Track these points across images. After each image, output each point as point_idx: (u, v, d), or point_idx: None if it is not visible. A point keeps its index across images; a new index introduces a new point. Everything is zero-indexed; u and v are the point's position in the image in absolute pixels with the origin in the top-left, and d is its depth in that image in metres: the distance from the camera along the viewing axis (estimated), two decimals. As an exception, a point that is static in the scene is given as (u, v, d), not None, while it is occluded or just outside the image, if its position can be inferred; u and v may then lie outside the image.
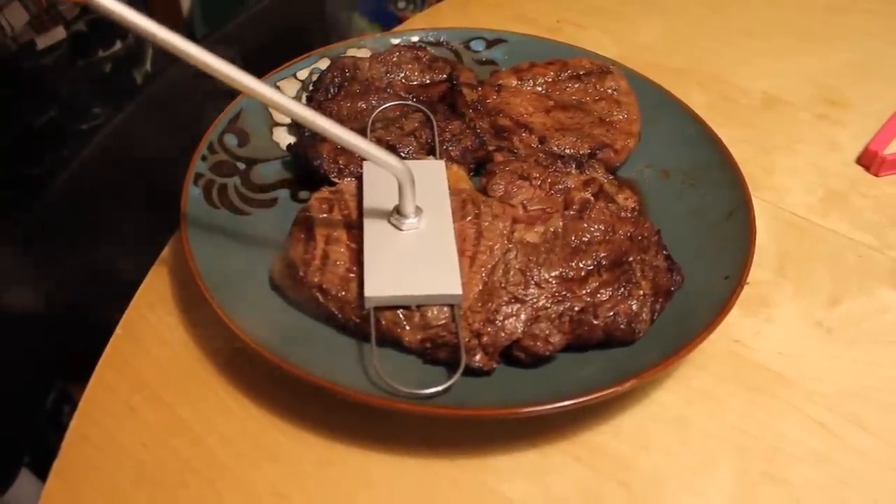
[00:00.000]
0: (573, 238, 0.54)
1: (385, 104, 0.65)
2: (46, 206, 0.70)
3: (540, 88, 0.68)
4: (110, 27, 0.89)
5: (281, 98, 0.44)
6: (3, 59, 0.78)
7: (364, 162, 0.57)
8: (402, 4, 1.80)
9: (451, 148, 0.61)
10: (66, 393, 0.78)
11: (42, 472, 0.64)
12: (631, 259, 0.53)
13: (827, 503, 0.47)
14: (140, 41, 0.95)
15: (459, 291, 0.49)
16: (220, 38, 0.88)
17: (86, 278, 0.71)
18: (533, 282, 0.51)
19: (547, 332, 0.49)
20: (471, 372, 0.48)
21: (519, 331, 0.49)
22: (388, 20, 1.80)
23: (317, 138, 0.61)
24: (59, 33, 0.83)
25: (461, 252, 0.52)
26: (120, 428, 0.50)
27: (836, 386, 0.53)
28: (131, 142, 0.74)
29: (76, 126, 0.89)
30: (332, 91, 0.66)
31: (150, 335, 0.55)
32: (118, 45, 0.91)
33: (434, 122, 0.62)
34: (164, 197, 0.62)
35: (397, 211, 0.52)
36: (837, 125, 0.75)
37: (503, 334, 0.49)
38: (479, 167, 0.62)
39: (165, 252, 0.61)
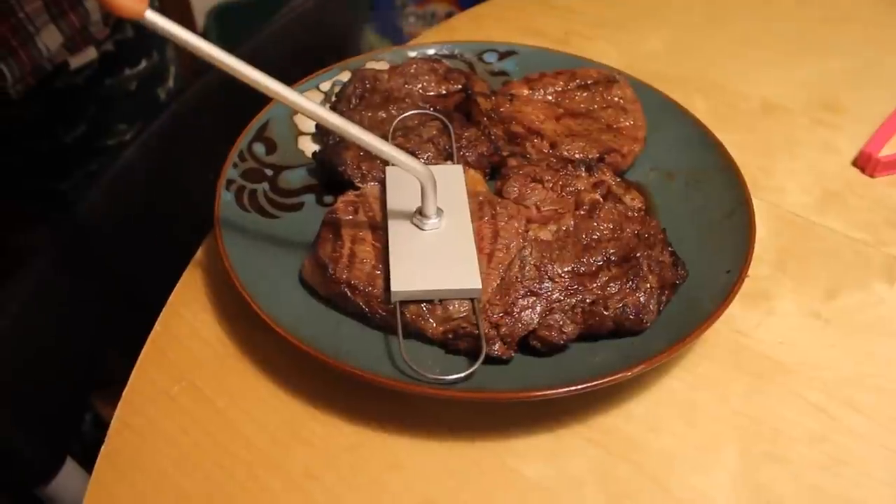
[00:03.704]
0: (584, 236, 0.57)
1: (405, 113, 0.68)
2: (80, 218, 0.73)
3: (550, 97, 0.72)
4: (136, 46, 0.93)
5: (316, 108, 0.48)
6: (39, 78, 0.82)
7: (386, 167, 0.61)
8: (412, 20, 1.84)
9: (467, 153, 0.65)
10: (87, 402, 0.81)
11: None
12: (638, 255, 0.56)
13: (824, 480, 0.50)
14: (163, 60, 0.98)
15: (479, 286, 0.52)
16: (240, 55, 0.92)
17: (119, 285, 0.74)
18: (547, 276, 0.54)
19: (561, 322, 0.52)
20: (490, 360, 0.51)
21: (535, 322, 0.52)
22: (398, 36, 1.85)
23: (341, 146, 0.64)
24: (91, 53, 0.86)
25: (480, 250, 0.55)
26: (161, 416, 0.53)
27: (832, 373, 0.56)
28: (163, 152, 0.77)
29: (103, 142, 0.92)
30: (353, 101, 0.70)
31: (187, 331, 0.58)
32: (143, 64, 0.94)
33: (451, 130, 0.66)
34: (193, 205, 0.66)
35: (419, 212, 0.56)
36: (834, 129, 0.79)
37: (520, 325, 0.52)
38: (495, 171, 0.66)
39: (199, 254, 0.64)
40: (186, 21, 1.70)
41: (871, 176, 0.72)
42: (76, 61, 0.84)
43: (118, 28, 0.88)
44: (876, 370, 0.57)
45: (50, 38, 0.80)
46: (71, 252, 0.71)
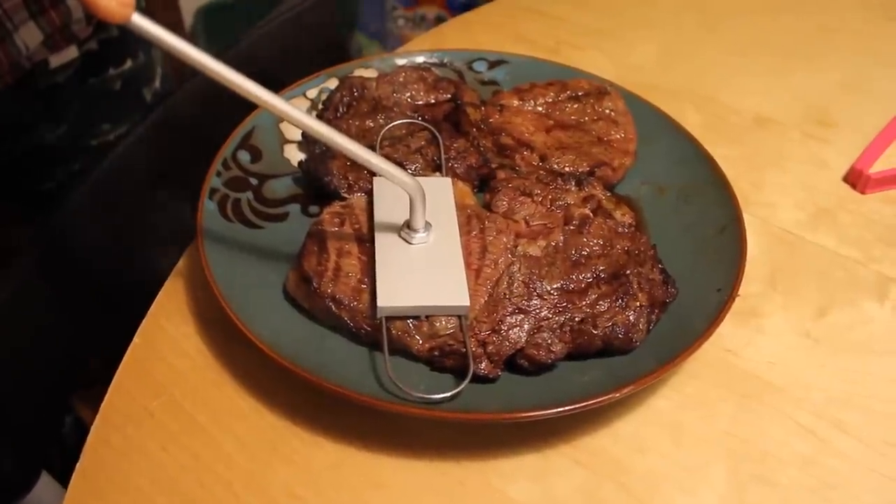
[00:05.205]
0: (573, 252, 0.56)
1: (392, 122, 0.67)
2: (62, 220, 0.72)
3: (540, 108, 0.71)
4: (121, 46, 0.91)
5: (302, 116, 0.47)
6: (18, 77, 0.80)
7: (374, 178, 0.60)
8: (401, 23, 1.83)
9: (456, 165, 0.64)
10: (67, 405, 0.80)
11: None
12: (628, 272, 0.55)
13: (812, 503, 0.50)
14: (149, 60, 0.97)
15: (467, 303, 0.51)
16: (229, 58, 0.91)
17: (101, 290, 0.73)
18: (535, 293, 0.54)
19: (549, 341, 0.52)
20: (477, 379, 0.50)
21: (522, 340, 0.52)
22: (387, 39, 1.84)
23: (327, 155, 0.63)
24: (72, 52, 0.84)
25: (467, 265, 0.54)
26: (139, 432, 0.52)
27: (822, 393, 0.56)
28: (145, 158, 0.76)
29: (86, 142, 0.90)
30: (341, 110, 0.69)
31: (168, 343, 0.57)
32: (128, 64, 0.93)
33: (440, 140, 0.65)
34: (177, 211, 0.65)
35: (407, 225, 0.55)
36: (825, 144, 0.78)
37: (507, 343, 0.51)
38: (483, 184, 0.65)
39: (180, 264, 0.63)
40: (174, 20, 1.68)
41: (862, 193, 0.72)
42: (56, 60, 0.82)
43: (102, 27, 0.87)
44: (866, 390, 0.56)
45: (29, 36, 0.78)
46: (53, 254, 0.70)
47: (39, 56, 0.81)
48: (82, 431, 0.52)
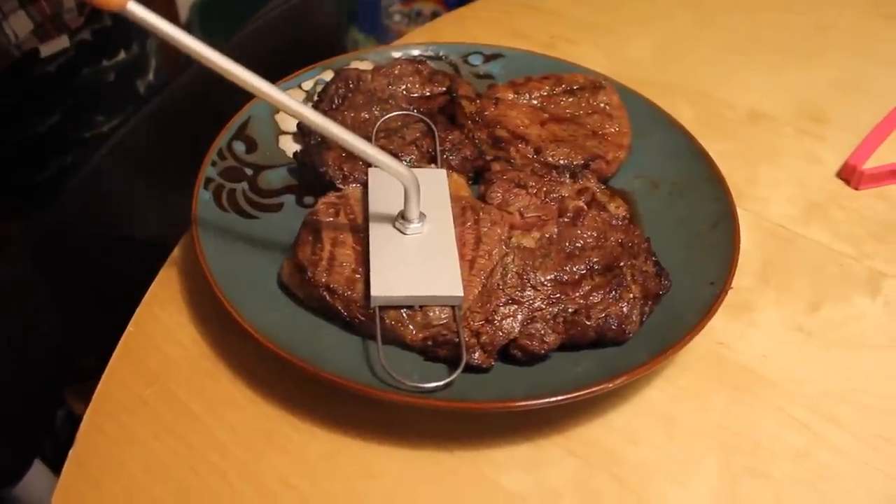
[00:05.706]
0: (567, 244, 0.57)
1: (388, 114, 0.67)
2: (56, 212, 0.71)
3: (535, 102, 0.71)
4: (114, 37, 0.91)
5: (299, 106, 0.47)
6: (7, 66, 0.80)
7: (369, 169, 0.60)
8: (397, 18, 1.83)
9: (451, 157, 0.64)
10: (59, 399, 0.79)
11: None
12: (622, 264, 0.56)
13: (805, 495, 0.50)
14: (143, 52, 0.97)
15: (460, 293, 0.52)
16: (224, 51, 0.90)
17: (95, 282, 0.73)
18: (529, 284, 0.54)
19: (542, 331, 0.52)
20: (470, 369, 0.51)
21: (516, 330, 0.52)
22: (382, 34, 1.84)
23: (322, 146, 0.63)
24: (63, 42, 0.84)
25: (461, 256, 0.54)
26: (133, 420, 0.52)
27: (814, 386, 0.56)
28: (141, 148, 0.75)
29: (80, 133, 0.90)
30: (336, 102, 0.69)
31: (161, 332, 0.57)
32: (122, 55, 0.92)
33: (435, 133, 0.65)
34: (172, 202, 0.65)
35: (402, 216, 0.55)
36: (819, 140, 0.78)
37: (501, 333, 0.52)
38: (478, 176, 0.65)
39: (175, 253, 0.63)
40: (170, 14, 1.68)
41: (856, 188, 0.72)
42: (47, 49, 0.82)
43: (95, 17, 0.86)
44: (858, 385, 0.56)
45: (18, 25, 0.78)
46: (46, 246, 0.69)
47: (29, 45, 0.81)
48: (74, 425, 0.52)
